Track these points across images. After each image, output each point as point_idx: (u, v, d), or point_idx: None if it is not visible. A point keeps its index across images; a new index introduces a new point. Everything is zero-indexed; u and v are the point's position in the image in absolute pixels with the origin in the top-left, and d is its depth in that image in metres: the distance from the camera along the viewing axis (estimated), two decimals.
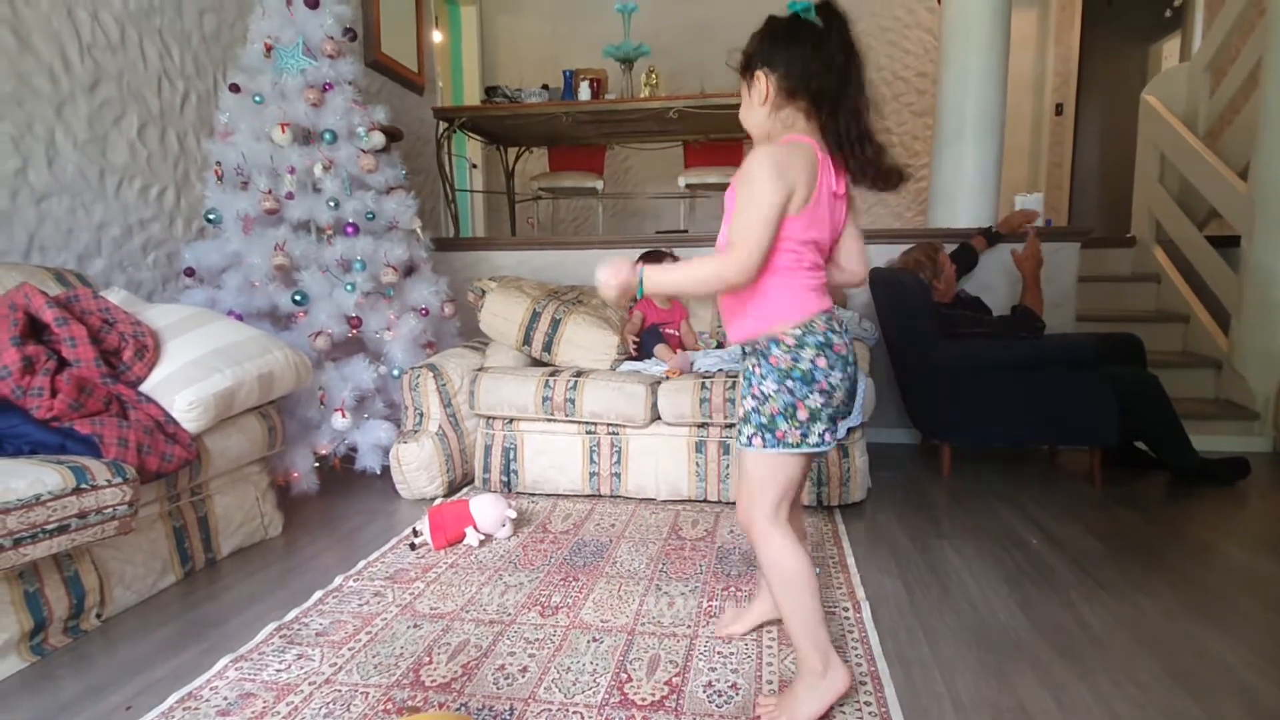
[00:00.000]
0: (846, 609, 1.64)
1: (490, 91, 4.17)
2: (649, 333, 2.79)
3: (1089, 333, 2.89)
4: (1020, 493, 2.54)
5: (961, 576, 1.85)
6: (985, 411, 2.64)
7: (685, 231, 4.67)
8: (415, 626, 1.58)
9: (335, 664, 1.43)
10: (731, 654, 1.46)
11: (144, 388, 1.83)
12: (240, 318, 2.39)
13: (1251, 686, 1.36)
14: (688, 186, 4.53)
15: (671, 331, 2.87)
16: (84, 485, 1.45)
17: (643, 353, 2.74)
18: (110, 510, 1.50)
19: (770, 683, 1.35)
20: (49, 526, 1.38)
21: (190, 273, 2.50)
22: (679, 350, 2.73)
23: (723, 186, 4.56)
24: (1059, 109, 5.52)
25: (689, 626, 1.57)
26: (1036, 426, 2.64)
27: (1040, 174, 5.54)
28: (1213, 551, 2.05)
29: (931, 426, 2.87)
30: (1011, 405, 2.62)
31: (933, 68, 5.12)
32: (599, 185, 4.69)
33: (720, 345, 2.94)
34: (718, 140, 4.51)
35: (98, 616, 1.61)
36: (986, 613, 1.65)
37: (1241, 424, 3.19)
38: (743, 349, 1.33)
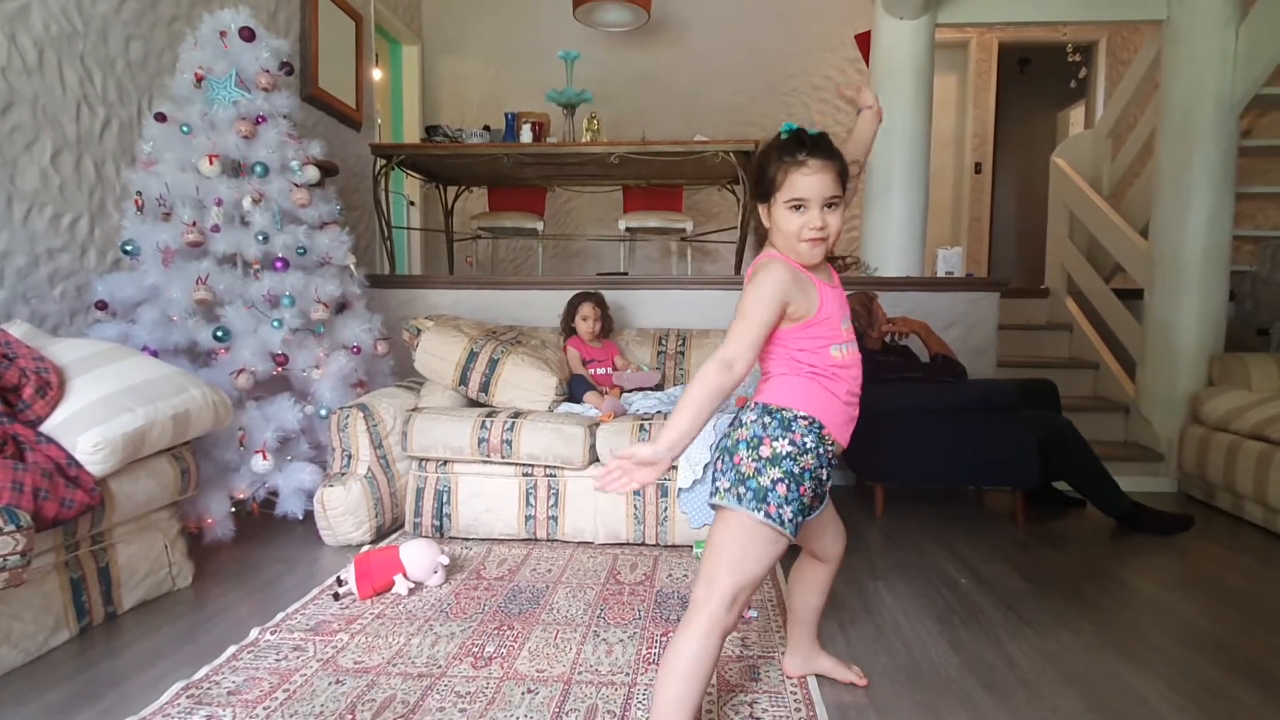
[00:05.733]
0: (783, 653, 1.63)
1: (431, 130, 4.15)
2: (576, 380, 2.76)
3: (1010, 379, 3.02)
4: (950, 533, 2.60)
5: (895, 616, 1.87)
6: (915, 454, 2.72)
7: (625, 274, 4.70)
8: (338, 682, 1.49)
9: None
10: None
11: (45, 427, 1.70)
12: (155, 354, 2.27)
13: None
14: (627, 230, 4.58)
15: (602, 372, 2.86)
16: None
17: (573, 399, 2.70)
18: (0, 561, 1.37)
19: None
20: None
21: (102, 306, 2.36)
22: (609, 392, 2.71)
23: (661, 230, 4.64)
24: (978, 167, 5.85)
25: (628, 674, 1.53)
26: (963, 468, 2.73)
27: (962, 227, 5.83)
28: (1129, 589, 2.14)
29: (865, 468, 2.93)
30: (939, 448, 2.70)
31: None
32: (539, 226, 4.69)
33: (660, 387, 2.95)
34: (657, 186, 4.59)
35: None
36: (919, 652, 1.67)
37: (1148, 465, 3.38)
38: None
